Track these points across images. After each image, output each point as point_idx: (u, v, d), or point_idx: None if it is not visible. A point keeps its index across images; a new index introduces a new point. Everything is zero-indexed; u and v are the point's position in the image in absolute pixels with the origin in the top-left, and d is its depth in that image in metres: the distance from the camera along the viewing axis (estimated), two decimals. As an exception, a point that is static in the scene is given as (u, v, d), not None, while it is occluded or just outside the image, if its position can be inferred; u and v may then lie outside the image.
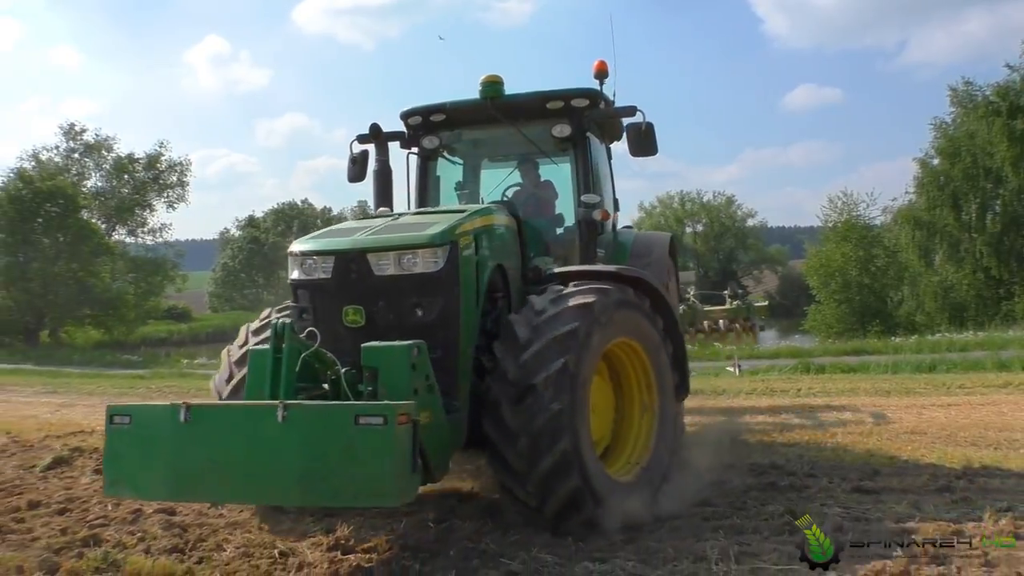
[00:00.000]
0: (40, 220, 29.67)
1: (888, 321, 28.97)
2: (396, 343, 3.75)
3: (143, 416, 3.59)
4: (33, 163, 37.58)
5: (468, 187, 6.76)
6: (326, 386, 3.98)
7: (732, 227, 63.90)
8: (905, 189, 33.20)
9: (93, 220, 35.19)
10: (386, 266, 4.20)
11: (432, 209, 5.65)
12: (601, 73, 6.01)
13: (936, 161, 30.67)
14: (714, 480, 5.43)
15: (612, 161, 6.92)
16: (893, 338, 20.73)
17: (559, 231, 6.13)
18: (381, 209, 5.98)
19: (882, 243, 32.14)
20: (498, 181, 6.60)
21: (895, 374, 14.56)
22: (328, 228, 4.88)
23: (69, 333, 32.50)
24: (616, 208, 6.93)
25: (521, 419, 4.00)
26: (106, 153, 39.86)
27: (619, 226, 7.07)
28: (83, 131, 39.07)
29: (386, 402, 3.46)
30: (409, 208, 6.26)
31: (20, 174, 32.55)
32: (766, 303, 10.61)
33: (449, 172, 6.75)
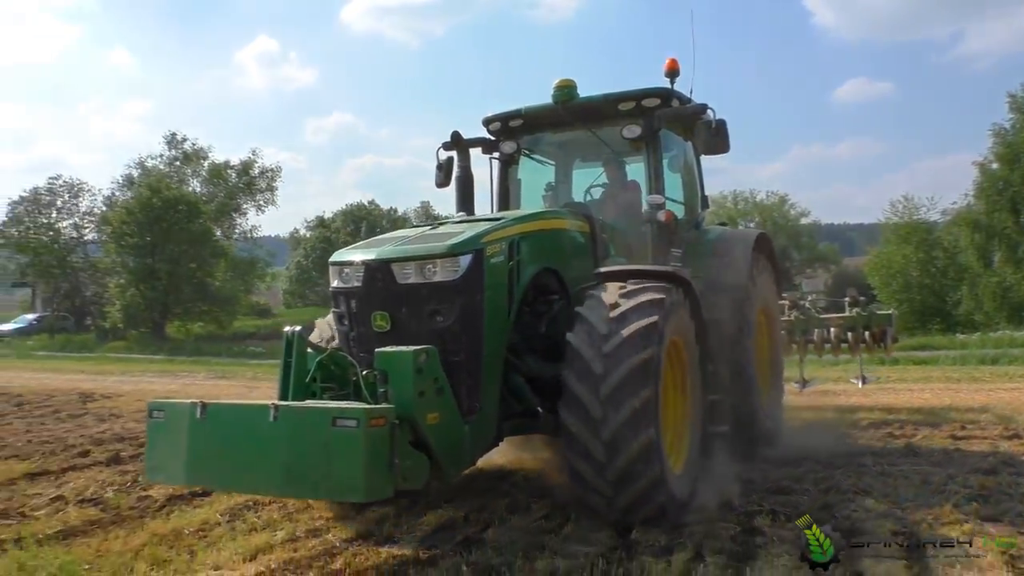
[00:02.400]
0: (165, 225, 32.96)
1: (948, 320, 30.54)
2: (403, 349, 3.93)
3: (172, 411, 3.98)
4: (139, 170, 41.41)
5: (560, 187, 6.87)
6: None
7: (785, 226, 64.54)
8: (964, 192, 34.45)
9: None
10: (408, 275, 4.36)
11: (477, 217, 5.66)
12: (672, 72, 5.90)
13: (995, 166, 31.97)
14: (846, 431, 7.67)
15: (700, 158, 6.82)
16: (957, 335, 22.52)
17: (644, 228, 6.02)
18: (459, 213, 6.35)
19: (941, 245, 33.61)
20: (589, 181, 6.68)
21: (962, 366, 16.50)
22: (368, 239, 5.10)
23: (187, 327, 36.01)
24: (705, 206, 6.91)
25: (607, 408, 4.07)
26: (203, 160, 43.38)
27: (707, 223, 7.08)
28: (183, 140, 42.69)
29: (362, 405, 3.68)
30: (492, 211, 6.52)
31: (148, 184, 35.90)
32: (891, 311, 9.73)
33: (533, 174, 6.84)
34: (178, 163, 42.78)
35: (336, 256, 4.77)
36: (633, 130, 5.62)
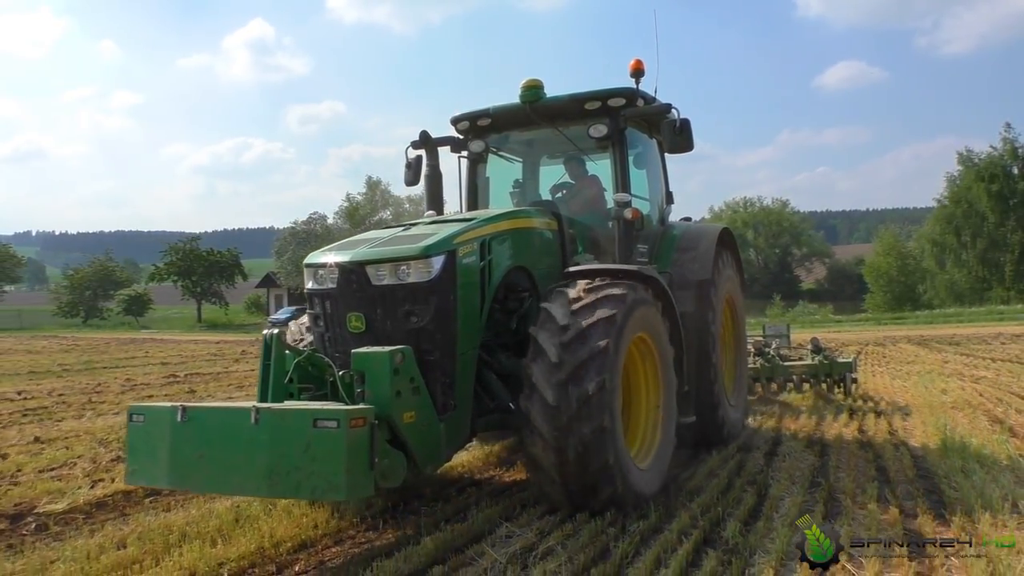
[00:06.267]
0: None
1: (916, 303, 48.88)
2: (379, 349, 3.99)
3: (152, 415, 3.97)
4: (347, 202, 58.39)
5: (527, 184, 6.99)
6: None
7: (789, 227, 78.09)
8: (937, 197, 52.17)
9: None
10: (383, 276, 4.41)
11: (449, 217, 5.67)
12: (637, 72, 5.99)
13: (947, 203, 50.04)
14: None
15: (665, 155, 6.90)
16: (921, 311, 40.86)
17: (611, 225, 6.02)
18: (428, 213, 6.40)
19: (912, 254, 52.44)
20: (555, 178, 6.83)
21: (928, 323, 34.05)
22: (342, 241, 5.08)
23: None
24: (670, 201, 7.04)
25: (562, 394, 4.16)
26: (386, 195, 60.03)
27: (676, 218, 7.18)
28: (378, 182, 59.49)
29: (343, 407, 3.69)
30: (461, 208, 6.66)
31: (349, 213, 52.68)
32: (851, 358, 10.03)
33: (501, 172, 6.91)
34: (375, 199, 59.86)
35: (311, 258, 4.82)
36: (599, 129, 5.81)
